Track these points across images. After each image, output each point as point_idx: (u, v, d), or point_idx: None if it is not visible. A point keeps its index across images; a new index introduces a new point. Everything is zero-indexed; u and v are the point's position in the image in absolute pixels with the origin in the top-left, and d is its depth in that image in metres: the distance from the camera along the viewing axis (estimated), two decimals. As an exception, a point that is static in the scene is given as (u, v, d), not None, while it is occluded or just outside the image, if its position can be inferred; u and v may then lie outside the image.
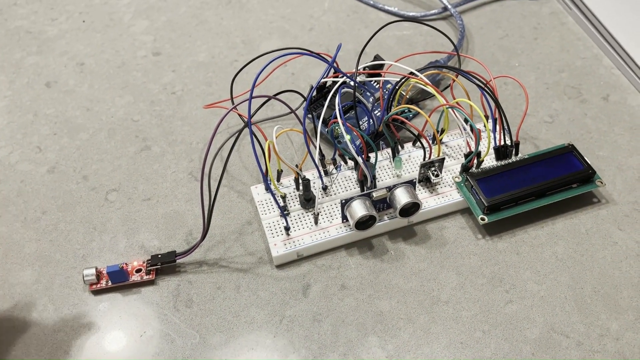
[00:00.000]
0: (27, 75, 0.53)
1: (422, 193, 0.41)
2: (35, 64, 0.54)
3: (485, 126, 0.41)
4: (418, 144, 0.44)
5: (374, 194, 0.38)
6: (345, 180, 0.42)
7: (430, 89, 0.40)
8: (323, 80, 0.43)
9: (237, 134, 0.38)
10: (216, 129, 0.36)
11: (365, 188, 0.40)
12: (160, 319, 0.37)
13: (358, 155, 0.38)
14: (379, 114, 0.44)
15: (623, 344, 0.35)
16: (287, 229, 0.39)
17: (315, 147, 0.39)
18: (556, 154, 0.41)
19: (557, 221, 0.41)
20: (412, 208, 0.39)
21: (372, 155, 0.41)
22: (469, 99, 0.42)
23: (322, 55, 0.41)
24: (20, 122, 0.49)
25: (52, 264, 0.40)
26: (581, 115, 0.47)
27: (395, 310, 0.37)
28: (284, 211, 0.40)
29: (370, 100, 0.45)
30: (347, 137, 0.37)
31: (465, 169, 0.41)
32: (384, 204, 0.40)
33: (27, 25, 0.58)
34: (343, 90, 0.43)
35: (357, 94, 0.41)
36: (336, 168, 0.42)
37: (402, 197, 0.38)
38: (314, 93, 0.44)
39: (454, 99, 0.43)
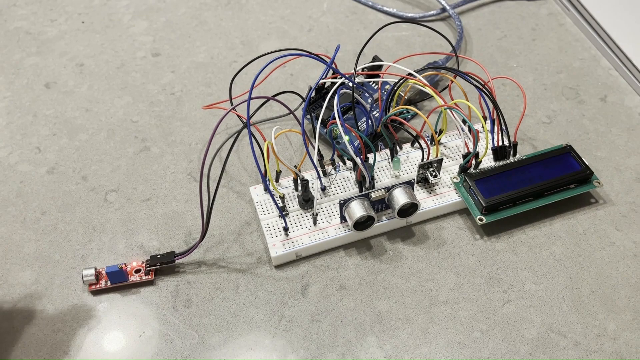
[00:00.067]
0: (26, 76, 0.53)
1: (420, 193, 0.41)
2: (34, 65, 0.54)
3: (483, 127, 0.41)
4: (416, 144, 0.44)
5: (373, 195, 0.39)
6: (344, 181, 0.42)
7: (428, 90, 0.40)
8: (322, 81, 0.43)
9: (236, 135, 0.38)
10: (215, 130, 0.37)
11: (363, 188, 0.40)
12: (159, 319, 0.37)
13: (357, 156, 0.38)
14: (377, 114, 0.44)
15: (620, 343, 0.35)
16: (285, 229, 0.39)
17: (314, 148, 0.39)
18: (554, 155, 0.42)
19: (555, 222, 0.41)
20: (410, 208, 0.39)
21: (370, 155, 0.41)
22: (467, 100, 0.42)
23: (321, 56, 0.41)
24: (20, 122, 0.49)
25: (52, 265, 0.40)
26: (579, 116, 0.47)
27: (393, 310, 0.37)
28: (283, 212, 0.40)
29: (369, 101, 0.45)
30: (345, 138, 0.37)
31: (463, 169, 0.41)
32: (382, 205, 0.40)
33: (27, 26, 0.58)
34: (342, 91, 0.43)
35: (355, 94, 0.41)
36: (335, 169, 0.42)
37: (400, 198, 0.38)
38: (313, 94, 0.44)
39: (452, 99, 0.43)
